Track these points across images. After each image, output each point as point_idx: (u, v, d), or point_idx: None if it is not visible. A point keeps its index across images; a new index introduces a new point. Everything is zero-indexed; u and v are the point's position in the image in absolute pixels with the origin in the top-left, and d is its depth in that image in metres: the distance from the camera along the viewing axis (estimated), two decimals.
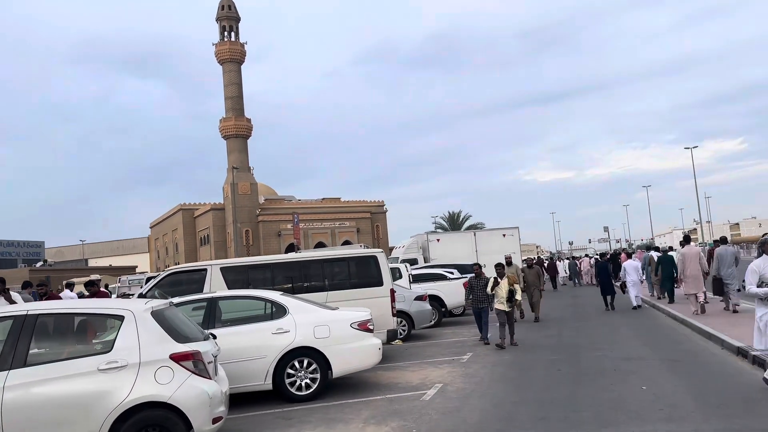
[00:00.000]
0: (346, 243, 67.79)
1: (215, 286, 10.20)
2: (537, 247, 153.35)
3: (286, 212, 73.25)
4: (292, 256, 11.07)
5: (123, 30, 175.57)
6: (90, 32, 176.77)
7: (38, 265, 76.29)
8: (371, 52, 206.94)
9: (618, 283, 19.82)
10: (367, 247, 37.76)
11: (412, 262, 27.39)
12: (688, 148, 67.68)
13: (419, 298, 14.43)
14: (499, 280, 12.11)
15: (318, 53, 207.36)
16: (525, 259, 17.90)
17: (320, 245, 69.89)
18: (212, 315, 8.01)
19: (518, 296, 12.27)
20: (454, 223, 76.36)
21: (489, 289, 12.20)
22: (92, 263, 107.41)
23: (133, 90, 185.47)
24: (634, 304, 18.05)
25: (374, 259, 11.20)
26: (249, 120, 74.28)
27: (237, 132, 72.46)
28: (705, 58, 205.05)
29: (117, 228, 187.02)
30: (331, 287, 10.82)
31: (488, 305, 12.52)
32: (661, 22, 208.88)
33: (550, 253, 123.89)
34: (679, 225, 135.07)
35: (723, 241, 15.18)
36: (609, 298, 18.55)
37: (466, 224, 74.94)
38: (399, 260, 27.65)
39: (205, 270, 10.36)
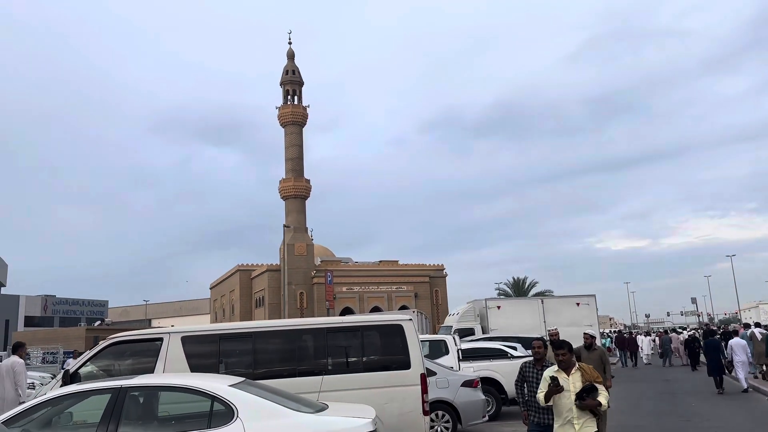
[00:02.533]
0: (403, 308, 64.20)
1: (172, 363, 7.32)
2: (610, 319, 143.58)
3: (341, 274, 70.72)
4: (279, 324, 8.05)
5: (202, 100, 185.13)
6: (171, 102, 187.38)
7: (96, 324, 76.56)
8: (436, 119, 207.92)
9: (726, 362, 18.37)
10: (422, 314, 34.10)
11: (468, 332, 23.79)
12: None
13: (468, 383, 10.94)
14: (566, 376, 5.86)
15: (385, 120, 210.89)
16: (585, 334, 10.37)
17: (376, 310, 66.68)
18: (114, 417, 5.04)
19: (604, 402, 5.83)
20: (519, 290, 71.41)
21: (542, 395, 5.90)
22: (155, 323, 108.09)
23: (209, 157, 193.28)
24: (744, 386, 16.47)
25: (398, 329, 8.01)
26: (308, 181, 73.60)
27: (296, 193, 71.73)
28: None
29: (186, 289, 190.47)
30: (333, 369, 7.67)
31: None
32: (735, 89, 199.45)
33: (625, 326, 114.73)
34: (766, 299, 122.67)
35: None
36: (719, 379, 16.85)
37: (532, 292, 69.74)
38: (452, 330, 24.11)
39: (161, 339, 7.51)
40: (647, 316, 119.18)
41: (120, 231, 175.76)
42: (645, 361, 32.26)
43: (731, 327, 24.21)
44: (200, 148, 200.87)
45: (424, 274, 74.27)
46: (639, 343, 33.24)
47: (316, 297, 69.09)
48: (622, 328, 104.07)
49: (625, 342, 32.35)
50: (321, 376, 7.40)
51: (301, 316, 67.98)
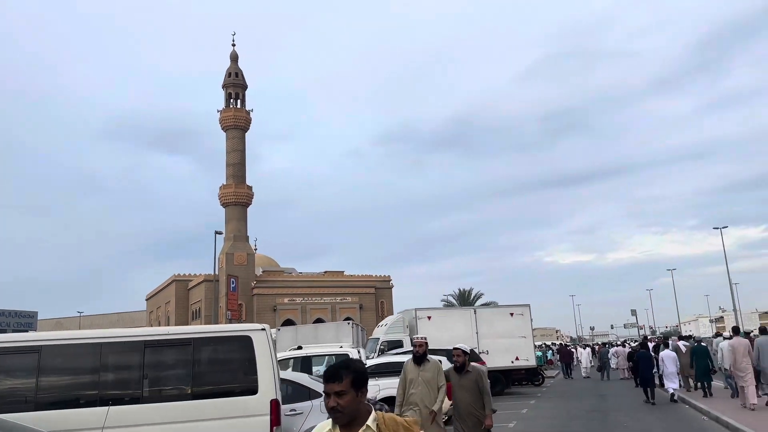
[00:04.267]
0: (347, 319, 62.26)
1: None
2: (557, 331, 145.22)
3: (284, 285, 68.31)
4: (79, 335, 6.15)
5: (154, 106, 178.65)
6: (122, 109, 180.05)
7: None
8: (393, 132, 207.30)
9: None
10: (358, 326, 32.49)
11: (397, 344, 22.20)
12: (717, 228, 62.00)
13: None
14: None
15: (342, 132, 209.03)
16: (456, 349, 7.28)
17: (319, 321, 64.45)
18: None
19: None
20: (464, 301, 70.40)
21: None
22: None
23: (160, 165, 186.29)
24: (674, 396, 16.73)
25: (245, 343, 6.24)
26: (250, 188, 71.02)
27: (236, 200, 69.01)
28: (726, 145, 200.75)
29: (127, 300, 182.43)
30: (150, 396, 5.80)
31: None
32: (680, 109, 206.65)
33: (571, 338, 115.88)
34: (704, 312, 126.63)
35: (762, 331, 14.49)
36: (650, 391, 16.93)
37: (478, 303, 68.92)
38: (379, 342, 22.54)
39: None
40: (592, 328, 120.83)
41: (62, 240, 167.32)
42: (584, 374, 31.34)
43: (669, 340, 23.76)
44: (150, 156, 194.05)
45: (369, 285, 72.57)
46: (578, 355, 32.47)
47: (256, 308, 66.37)
48: (567, 340, 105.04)
49: (563, 354, 31.52)
50: (107, 407, 5.51)
51: None
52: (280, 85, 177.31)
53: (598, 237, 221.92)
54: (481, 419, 6.74)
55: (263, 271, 70.28)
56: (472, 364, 7.21)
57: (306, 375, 9.56)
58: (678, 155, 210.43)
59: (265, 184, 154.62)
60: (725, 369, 15.53)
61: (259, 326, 6.47)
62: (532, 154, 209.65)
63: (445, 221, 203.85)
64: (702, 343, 18.30)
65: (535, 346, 31.29)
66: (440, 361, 7.47)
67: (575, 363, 34.29)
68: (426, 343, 7.36)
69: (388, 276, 76.97)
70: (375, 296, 72.27)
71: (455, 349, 7.17)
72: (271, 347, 6.34)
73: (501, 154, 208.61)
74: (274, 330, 37.53)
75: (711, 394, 16.36)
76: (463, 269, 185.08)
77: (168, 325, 75.66)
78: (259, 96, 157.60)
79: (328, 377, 2.66)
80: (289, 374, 9.54)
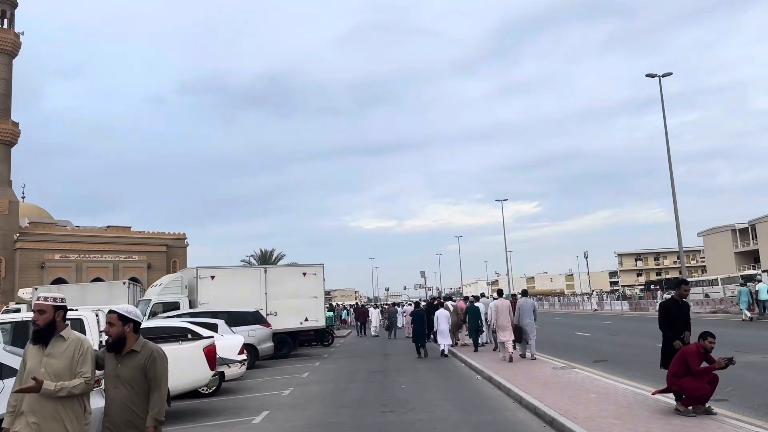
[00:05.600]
0: (133, 280, 56.67)
1: None
2: (356, 292, 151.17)
3: (55, 240, 59.86)
4: None
5: None
6: None
7: None
8: (200, 82, 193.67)
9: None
10: (136, 287, 28.65)
11: (173, 306, 19.74)
12: (499, 201, 68.70)
13: None
14: None
15: (139, 76, 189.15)
16: (110, 314, 4.26)
17: (97, 281, 57.71)
18: None
19: None
20: (265, 262, 68.63)
21: None
22: None
23: None
24: (445, 351, 18.10)
25: None
26: (16, 124, 60.44)
27: None
28: (509, 129, 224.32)
29: None
30: None
31: None
32: (475, 92, 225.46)
33: (368, 299, 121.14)
34: (483, 276, 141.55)
35: (524, 293, 16.34)
36: (422, 348, 18.58)
37: (280, 264, 67.79)
38: (151, 304, 19.89)
39: None
40: (387, 289, 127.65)
41: None
42: (373, 333, 32.05)
43: (445, 301, 24.98)
44: None
45: (161, 243, 66.95)
46: (369, 315, 33.05)
47: (19, 264, 57.14)
48: (364, 300, 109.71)
49: (358, 314, 31.90)
50: None
51: None
52: (70, 16, 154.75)
53: (398, 205, 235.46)
54: (142, 429, 4.17)
55: (30, 223, 60.68)
56: (145, 340, 4.35)
57: (1, 347, 7.14)
58: (472, 134, 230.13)
59: (45, 125, 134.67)
60: (490, 325, 17.46)
61: None
62: (343, 121, 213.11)
63: (253, 181, 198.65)
64: (475, 304, 19.66)
65: (332, 307, 30.80)
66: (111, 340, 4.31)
67: (369, 322, 35.04)
68: (54, 306, 4.21)
69: (183, 234, 71.83)
70: (167, 255, 67.02)
71: (109, 313, 4.29)
72: None
73: (313, 118, 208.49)
74: (29, 289, 31.97)
75: (479, 349, 18.15)
76: (270, 231, 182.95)
77: None
78: (42, 23, 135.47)
79: None
80: None
